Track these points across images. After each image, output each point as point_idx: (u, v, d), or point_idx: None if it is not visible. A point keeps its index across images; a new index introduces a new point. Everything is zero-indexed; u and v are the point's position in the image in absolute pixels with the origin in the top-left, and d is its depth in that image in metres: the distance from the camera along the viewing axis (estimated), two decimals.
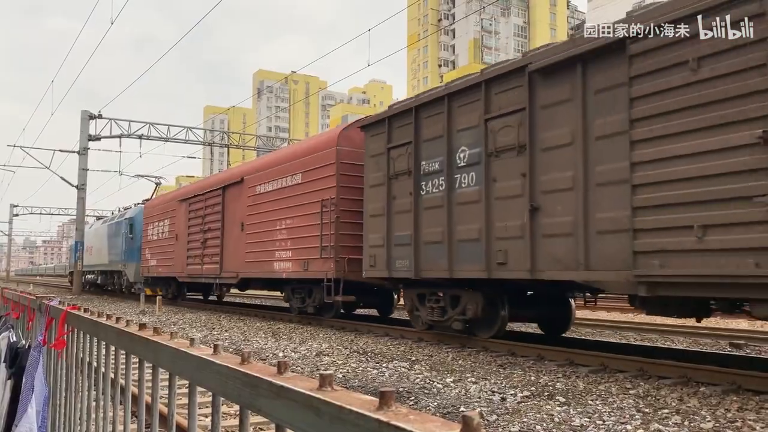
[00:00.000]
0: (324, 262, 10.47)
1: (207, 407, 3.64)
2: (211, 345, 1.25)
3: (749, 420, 4.49)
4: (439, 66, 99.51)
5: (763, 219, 4.96)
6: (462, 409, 4.85)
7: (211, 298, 18.96)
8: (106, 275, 26.08)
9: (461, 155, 8.04)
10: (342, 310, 12.24)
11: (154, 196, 24.04)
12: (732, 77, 5.22)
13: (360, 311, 13.35)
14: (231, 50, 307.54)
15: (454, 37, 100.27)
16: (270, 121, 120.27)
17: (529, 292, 8.65)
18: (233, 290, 16.20)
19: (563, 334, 9.12)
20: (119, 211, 26.25)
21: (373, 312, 13.11)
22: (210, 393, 1.20)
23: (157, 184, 26.03)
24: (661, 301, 6.16)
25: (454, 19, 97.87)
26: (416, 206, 8.69)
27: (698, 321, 6.93)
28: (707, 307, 6.20)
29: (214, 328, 11.06)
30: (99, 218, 32.05)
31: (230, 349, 7.77)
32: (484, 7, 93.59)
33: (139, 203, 23.46)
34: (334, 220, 10.33)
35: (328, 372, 0.87)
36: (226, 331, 10.64)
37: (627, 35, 5.96)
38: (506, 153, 7.40)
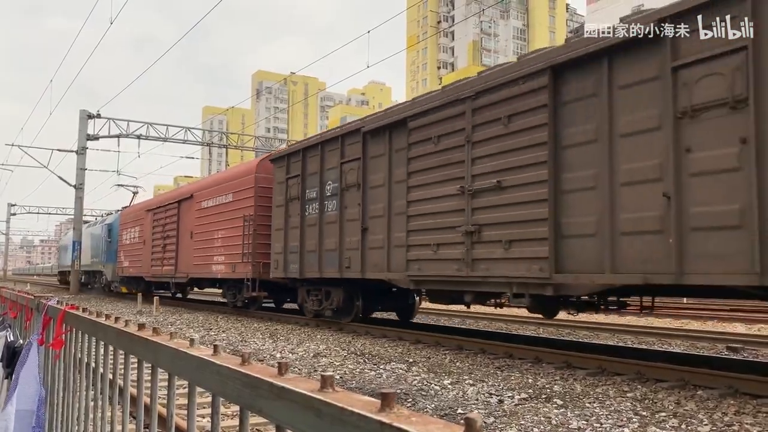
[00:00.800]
0: (245, 265, 13.58)
1: (206, 408, 4.17)
2: (211, 345, 1.30)
3: (746, 424, 4.58)
4: (438, 68, 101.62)
5: (460, 241, 8.06)
6: (459, 411, 4.99)
7: (196, 297, 21.71)
8: (88, 275, 29.53)
9: (328, 187, 11.13)
10: (274, 305, 15.50)
11: (131, 203, 27.13)
12: (450, 150, 8.32)
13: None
14: (229, 52, 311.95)
15: (453, 39, 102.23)
16: (269, 122, 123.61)
17: (394, 289, 11.46)
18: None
19: (411, 320, 12.29)
20: (102, 216, 29.25)
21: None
22: (209, 393, 1.24)
23: (135, 193, 28.84)
24: (430, 292, 9.28)
25: (453, 21, 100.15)
26: (302, 224, 11.80)
27: (467, 307, 9.90)
28: (451, 298, 9.11)
29: (211, 329, 11.59)
30: (84, 222, 35.05)
31: (228, 350, 8.06)
32: (483, 10, 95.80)
33: (119, 210, 26.66)
34: (252, 232, 13.45)
35: (329, 373, 0.89)
36: (223, 331, 11.12)
37: (409, 115, 9.07)
38: (352, 188, 10.48)
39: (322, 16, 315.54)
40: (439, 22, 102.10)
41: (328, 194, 11.09)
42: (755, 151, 5.25)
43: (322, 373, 0.96)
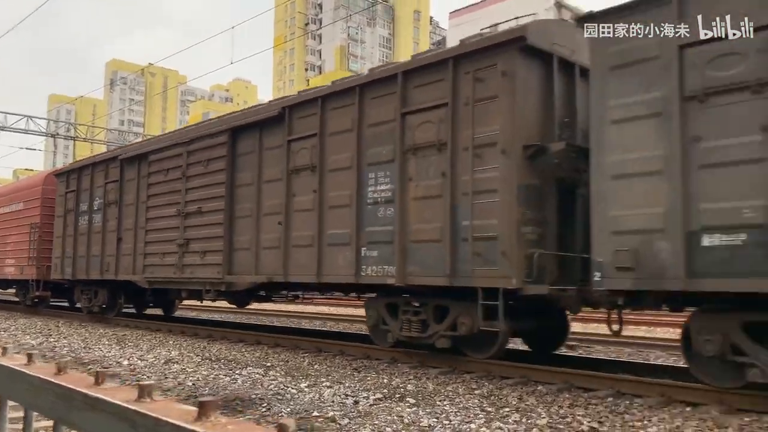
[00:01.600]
0: (31, 268, 15.90)
1: (19, 423, 3.89)
2: (26, 354, 1.29)
3: (578, 415, 5.10)
4: (306, 70, 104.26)
5: (176, 251, 11.15)
6: (315, 413, 5.17)
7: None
8: None
9: (96, 202, 13.85)
10: (68, 305, 17.53)
11: None
12: (173, 181, 11.36)
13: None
14: (87, 38, 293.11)
15: (321, 42, 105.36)
16: (123, 114, 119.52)
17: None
18: None
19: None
20: None
21: (232, 318, 16.01)
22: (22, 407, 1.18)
23: None
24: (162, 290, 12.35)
25: (321, 24, 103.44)
26: (75, 233, 14.40)
27: (200, 301, 13.02)
28: (173, 294, 12.33)
29: (51, 335, 11.32)
30: None
31: (68, 358, 7.83)
32: (350, 15, 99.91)
33: None
34: (38, 238, 15.79)
35: (147, 382, 0.89)
36: (64, 338, 10.89)
37: (149, 150, 11.95)
38: (112, 205, 13.25)
39: (199, 12, 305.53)
40: (306, 24, 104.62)
41: (96, 209, 13.72)
42: (319, 199, 8.76)
43: (140, 382, 0.92)
